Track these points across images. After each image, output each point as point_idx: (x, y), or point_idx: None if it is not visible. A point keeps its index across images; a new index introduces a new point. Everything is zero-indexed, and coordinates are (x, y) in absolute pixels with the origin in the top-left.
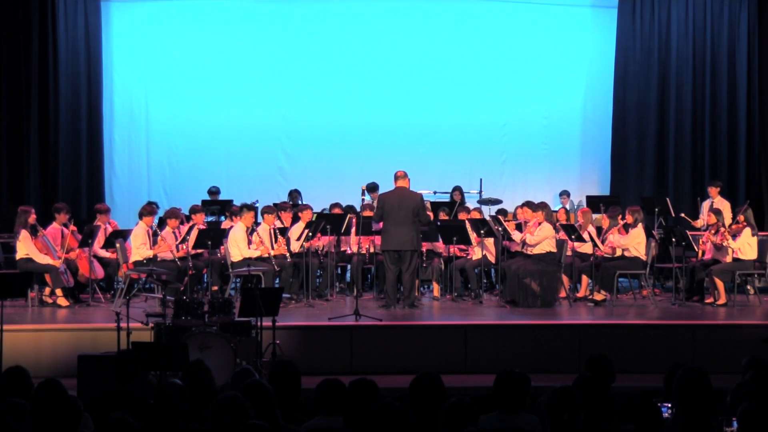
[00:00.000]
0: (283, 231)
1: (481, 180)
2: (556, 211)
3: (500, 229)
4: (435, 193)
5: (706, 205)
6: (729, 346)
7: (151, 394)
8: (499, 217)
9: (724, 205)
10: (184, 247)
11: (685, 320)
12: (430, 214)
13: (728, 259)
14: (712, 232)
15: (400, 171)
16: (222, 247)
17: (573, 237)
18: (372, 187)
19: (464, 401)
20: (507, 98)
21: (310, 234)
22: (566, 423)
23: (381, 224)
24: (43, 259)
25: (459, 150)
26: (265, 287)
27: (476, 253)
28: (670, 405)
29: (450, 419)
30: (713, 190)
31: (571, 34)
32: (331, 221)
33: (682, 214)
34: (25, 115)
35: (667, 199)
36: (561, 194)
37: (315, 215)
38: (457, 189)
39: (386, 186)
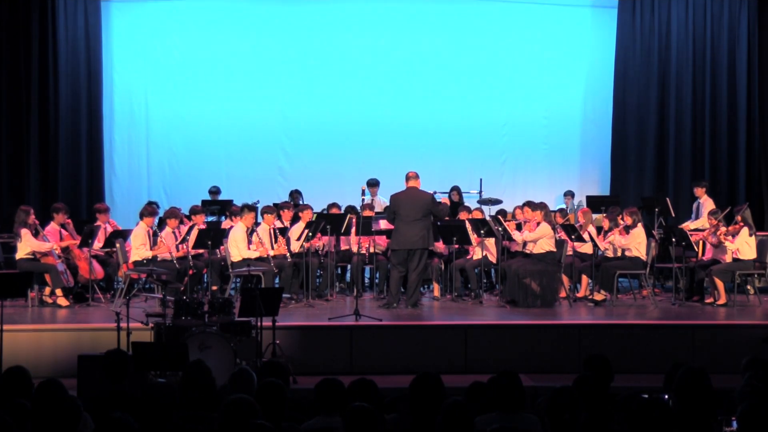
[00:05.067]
0: (283, 231)
1: (481, 180)
2: (555, 212)
3: (500, 229)
4: (435, 193)
5: (696, 207)
6: (729, 346)
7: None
8: (499, 217)
9: (710, 204)
10: (184, 247)
11: (685, 320)
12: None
13: (728, 259)
14: (711, 232)
15: (411, 172)
16: (222, 247)
17: (573, 237)
18: (372, 183)
19: (460, 401)
20: (507, 98)
21: (310, 234)
22: (566, 423)
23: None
24: (42, 246)
25: (459, 150)
26: (265, 287)
27: (476, 253)
28: (667, 396)
29: (447, 419)
30: (699, 191)
31: (571, 34)
32: (331, 221)
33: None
34: (25, 115)
35: (667, 199)
36: (565, 194)
37: (315, 215)
38: (456, 189)
39: (387, 185)
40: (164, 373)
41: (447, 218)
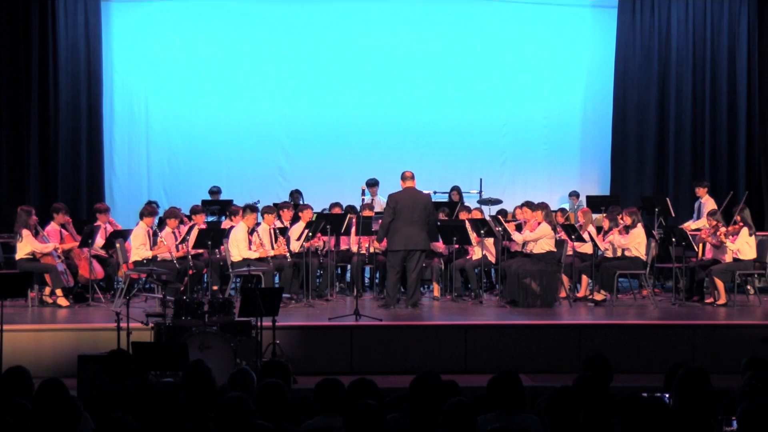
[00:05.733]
0: (283, 231)
1: (481, 180)
2: (555, 212)
3: (500, 229)
4: (435, 193)
5: (697, 207)
6: (729, 346)
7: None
8: (499, 217)
9: (711, 204)
10: (184, 247)
11: (685, 320)
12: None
13: (728, 259)
14: (711, 233)
15: (408, 171)
16: (222, 247)
17: (573, 237)
18: (372, 183)
19: (463, 402)
20: (507, 98)
21: (310, 234)
22: (566, 423)
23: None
24: (46, 248)
25: (459, 150)
26: (265, 287)
27: (476, 253)
28: (668, 395)
29: (449, 420)
30: (701, 191)
31: (571, 34)
32: (331, 221)
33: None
34: (25, 115)
35: (667, 199)
36: (570, 195)
37: (315, 215)
38: (456, 189)
39: (387, 185)
40: (165, 373)
41: (446, 218)
